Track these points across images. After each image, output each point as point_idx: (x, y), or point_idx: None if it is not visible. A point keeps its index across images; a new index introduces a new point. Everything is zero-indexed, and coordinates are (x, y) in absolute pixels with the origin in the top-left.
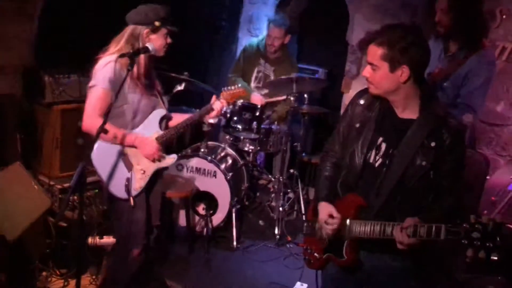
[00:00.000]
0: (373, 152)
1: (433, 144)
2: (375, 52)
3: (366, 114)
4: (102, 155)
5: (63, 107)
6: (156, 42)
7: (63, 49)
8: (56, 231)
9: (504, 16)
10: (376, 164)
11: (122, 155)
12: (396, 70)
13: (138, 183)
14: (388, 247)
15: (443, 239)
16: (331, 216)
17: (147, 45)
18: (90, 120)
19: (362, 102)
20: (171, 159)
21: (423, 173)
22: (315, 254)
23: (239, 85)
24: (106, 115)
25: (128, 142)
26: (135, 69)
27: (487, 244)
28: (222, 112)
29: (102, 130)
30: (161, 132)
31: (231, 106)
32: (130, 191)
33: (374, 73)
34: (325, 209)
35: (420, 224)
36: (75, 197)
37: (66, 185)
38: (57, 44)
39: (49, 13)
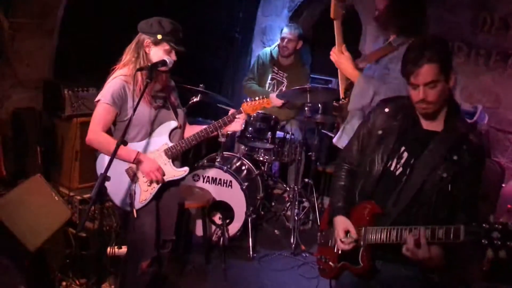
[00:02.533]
0: (395, 161)
1: (455, 157)
2: (431, 70)
3: (390, 123)
4: (105, 165)
5: (82, 120)
6: (155, 54)
7: (81, 63)
8: (75, 241)
9: None
10: (397, 173)
11: (126, 167)
12: (450, 79)
13: (144, 196)
14: (404, 256)
15: (462, 240)
16: (347, 231)
17: (165, 58)
18: (92, 134)
19: (387, 110)
20: (181, 172)
21: (442, 185)
22: (330, 263)
23: (259, 97)
24: (121, 130)
25: (128, 159)
26: (139, 83)
27: (508, 243)
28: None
29: (122, 142)
30: (170, 145)
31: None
32: (133, 203)
33: (432, 91)
34: (341, 224)
35: (439, 227)
36: (94, 208)
37: (85, 196)
38: (76, 58)
39: (68, 28)
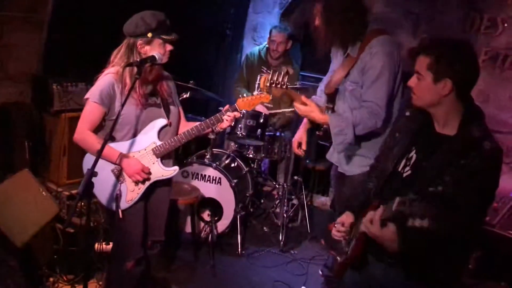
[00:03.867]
0: (403, 162)
1: (462, 162)
2: (423, 61)
3: (408, 125)
4: (91, 164)
5: (70, 115)
6: (152, 52)
7: (71, 58)
8: (63, 237)
9: (505, 25)
10: (404, 174)
11: (111, 166)
12: (439, 82)
13: (130, 196)
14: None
15: (395, 209)
16: (342, 224)
17: (154, 54)
18: (78, 133)
19: (407, 113)
20: (170, 171)
21: (445, 189)
22: (337, 257)
23: (256, 92)
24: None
25: (111, 159)
26: (127, 81)
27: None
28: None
29: (110, 138)
30: (159, 143)
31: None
32: (118, 203)
33: (418, 83)
34: (344, 216)
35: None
36: (82, 204)
37: (73, 191)
38: (65, 53)
39: (58, 22)
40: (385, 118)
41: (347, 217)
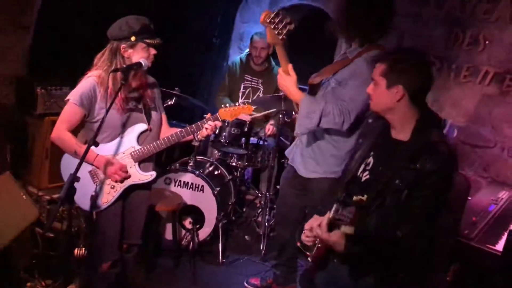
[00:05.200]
0: (362, 167)
1: (412, 167)
2: (379, 68)
3: (370, 132)
4: (69, 166)
5: (54, 118)
6: (135, 57)
7: (56, 61)
8: (43, 241)
9: (487, 42)
10: (363, 179)
11: (89, 167)
12: (391, 88)
13: (106, 198)
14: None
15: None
16: (310, 229)
17: (141, 60)
18: (56, 132)
19: (370, 120)
20: (147, 176)
21: (398, 193)
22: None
23: (239, 103)
24: (97, 130)
25: (89, 160)
26: (110, 85)
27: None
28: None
29: (93, 143)
30: (138, 148)
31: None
32: (94, 204)
33: (374, 89)
34: (312, 220)
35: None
36: (63, 209)
37: (54, 196)
38: (50, 56)
39: (44, 25)
40: (353, 126)
41: (315, 221)
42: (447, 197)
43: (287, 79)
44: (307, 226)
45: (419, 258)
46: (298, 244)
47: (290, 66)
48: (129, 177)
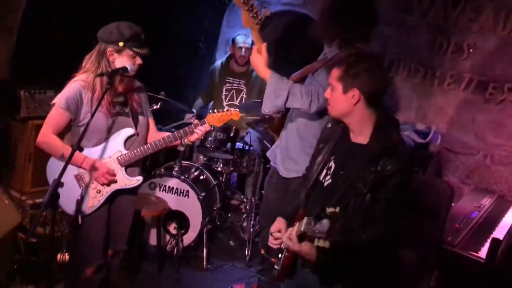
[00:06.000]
0: (324, 171)
1: (373, 169)
2: (335, 73)
3: (330, 136)
4: (56, 169)
5: (37, 122)
6: (120, 62)
7: (40, 64)
8: (25, 246)
9: (471, 50)
10: (325, 183)
11: (75, 171)
12: (348, 92)
13: (91, 202)
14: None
15: (303, 231)
16: (279, 231)
17: (127, 65)
18: (42, 136)
19: (329, 125)
20: (133, 181)
21: (361, 196)
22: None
23: (227, 108)
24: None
25: (76, 163)
26: (98, 89)
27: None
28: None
29: (77, 148)
30: (124, 152)
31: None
32: (79, 209)
33: (332, 94)
34: (277, 223)
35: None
36: (46, 213)
37: (37, 200)
38: (34, 59)
39: (29, 27)
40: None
41: (279, 223)
42: (408, 196)
43: (258, 58)
44: (273, 229)
45: (386, 259)
46: (263, 251)
47: (264, 45)
48: (116, 181)
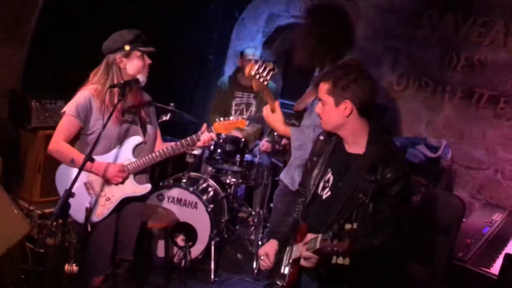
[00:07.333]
0: (322, 184)
1: (372, 178)
2: (323, 87)
3: (324, 149)
4: (65, 177)
5: (47, 132)
6: (131, 66)
7: (51, 75)
8: (32, 256)
9: (481, 64)
10: (324, 196)
11: (84, 179)
12: (340, 105)
13: (100, 210)
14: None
15: (319, 248)
16: (266, 255)
17: (138, 77)
18: (53, 144)
19: (322, 137)
20: (142, 188)
21: (363, 206)
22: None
23: (233, 117)
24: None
25: (86, 167)
26: (107, 98)
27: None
28: (210, 143)
29: (89, 159)
30: (133, 160)
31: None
32: (89, 216)
33: (323, 108)
34: (267, 246)
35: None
36: (55, 223)
37: (46, 210)
38: (45, 69)
39: (39, 39)
40: None
41: (270, 247)
42: (411, 200)
43: (274, 117)
44: (261, 252)
45: (394, 271)
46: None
47: (277, 103)
48: (128, 176)
